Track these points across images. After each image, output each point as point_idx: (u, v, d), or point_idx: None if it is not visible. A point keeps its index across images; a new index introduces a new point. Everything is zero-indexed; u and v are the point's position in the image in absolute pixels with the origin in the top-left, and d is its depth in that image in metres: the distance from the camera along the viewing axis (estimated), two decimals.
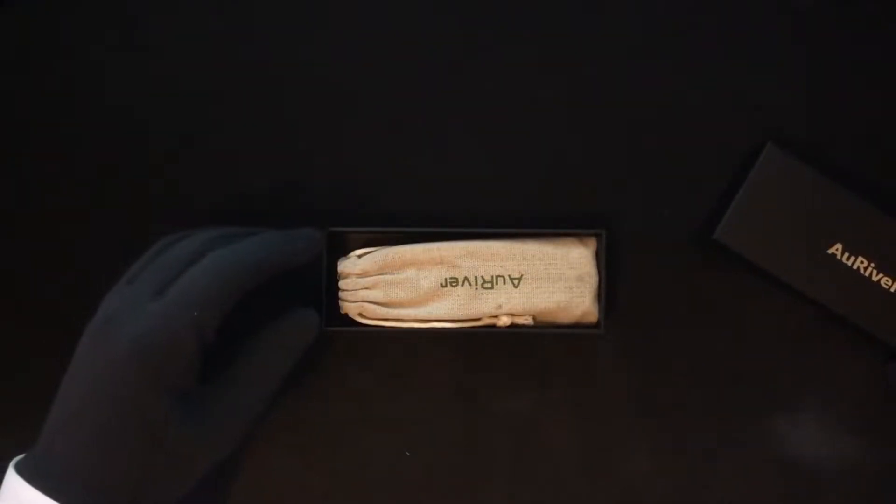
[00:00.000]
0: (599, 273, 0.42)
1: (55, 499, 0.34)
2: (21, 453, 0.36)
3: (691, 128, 0.43)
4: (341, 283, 0.42)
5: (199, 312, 0.35)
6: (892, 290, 0.41)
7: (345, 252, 0.42)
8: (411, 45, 0.44)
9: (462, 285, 0.41)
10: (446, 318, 0.41)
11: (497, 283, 0.41)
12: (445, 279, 0.41)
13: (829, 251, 0.41)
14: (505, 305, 0.41)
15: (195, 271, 0.36)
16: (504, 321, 0.41)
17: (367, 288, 0.41)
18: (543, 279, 0.41)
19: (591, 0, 0.43)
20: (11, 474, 0.35)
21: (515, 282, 0.41)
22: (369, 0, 0.43)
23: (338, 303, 0.42)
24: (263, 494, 0.43)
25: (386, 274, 0.41)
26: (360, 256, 0.41)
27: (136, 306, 0.35)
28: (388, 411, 0.44)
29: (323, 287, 0.41)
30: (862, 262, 0.41)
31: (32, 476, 0.34)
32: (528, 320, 0.41)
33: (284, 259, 0.38)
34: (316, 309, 0.40)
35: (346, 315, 0.42)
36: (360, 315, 0.41)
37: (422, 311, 0.41)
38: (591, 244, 0.42)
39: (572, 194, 0.43)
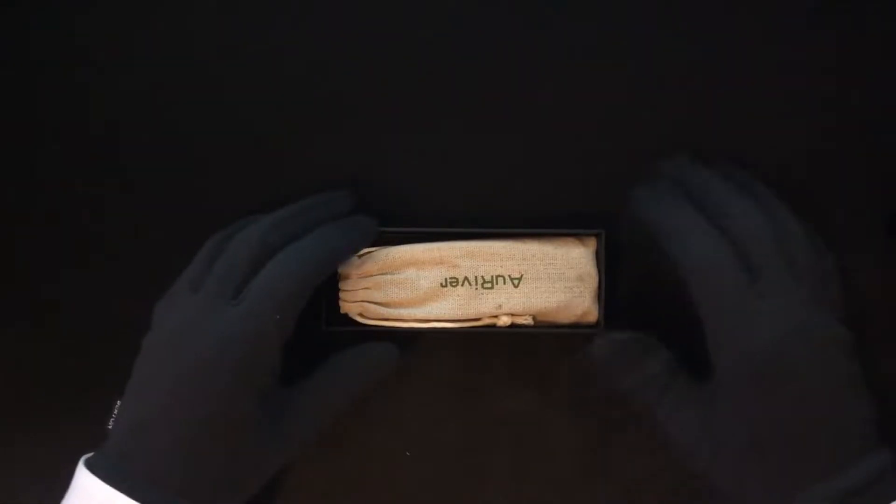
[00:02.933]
0: (599, 273, 0.42)
1: (136, 499, 0.34)
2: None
3: (692, 127, 0.43)
4: (341, 284, 0.42)
5: (281, 315, 0.36)
6: None
7: None
8: (412, 45, 0.44)
9: (462, 285, 0.41)
10: (446, 318, 0.41)
11: (497, 283, 0.41)
12: (445, 279, 0.41)
13: None
14: (505, 305, 0.41)
15: (269, 274, 0.36)
16: (504, 321, 0.41)
17: (367, 288, 0.41)
18: (543, 279, 0.41)
19: (592, 0, 0.43)
20: (85, 474, 0.35)
21: (515, 282, 0.41)
22: (371, 0, 0.44)
23: (338, 303, 0.42)
24: (263, 494, 0.43)
25: (386, 274, 0.41)
26: (360, 256, 0.41)
27: (212, 313, 0.36)
28: (388, 411, 0.44)
29: (323, 287, 0.41)
30: None
31: (109, 476, 0.35)
32: (528, 320, 0.41)
33: (346, 250, 0.40)
34: (315, 308, 0.41)
35: (347, 315, 0.42)
36: (361, 315, 0.41)
37: (422, 311, 0.41)
38: (591, 244, 0.42)
39: (572, 194, 0.43)
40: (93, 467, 0.35)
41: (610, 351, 0.40)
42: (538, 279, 0.41)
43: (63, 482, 0.36)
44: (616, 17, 0.43)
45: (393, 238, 0.42)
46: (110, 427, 0.37)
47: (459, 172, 0.44)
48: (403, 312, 0.41)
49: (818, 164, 0.43)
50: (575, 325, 0.42)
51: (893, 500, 0.33)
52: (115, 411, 0.37)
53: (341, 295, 0.42)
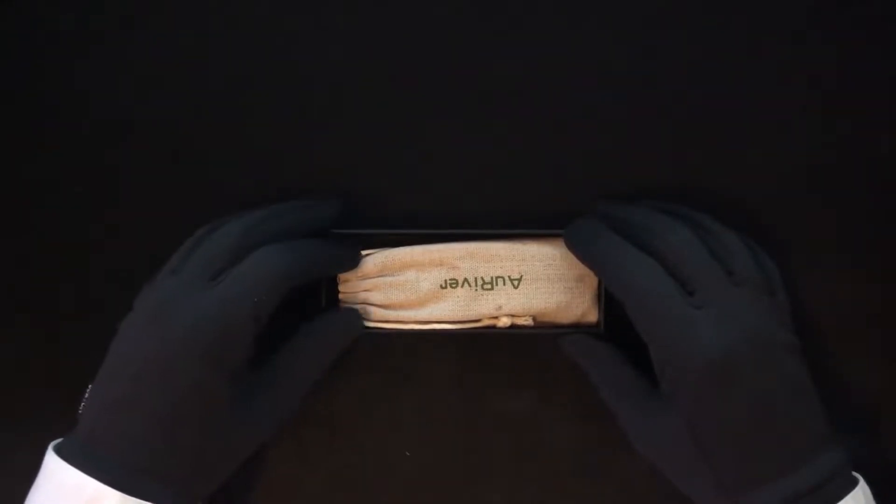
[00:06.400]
0: None
1: (105, 482, 0.34)
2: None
3: (691, 128, 0.43)
4: (341, 286, 0.42)
5: (259, 298, 0.36)
6: None
7: None
8: (411, 46, 0.43)
9: (462, 286, 0.41)
10: (446, 319, 0.41)
11: (497, 284, 0.41)
12: (445, 280, 0.41)
13: None
14: (505, 306, 0.41)
15: (253, 259, 0.37)
16: (504, 322, 0.41)
17: (367, 290, 0.41)
18: (543, 280, 0.41)
19: (590, 1, 0.43)
20: (53, 458, 0.35)
21: (515, 283, 0.41)
22: (369, 0, 0.43)
23: (338, 305, 0.42)
24: (263, 494, 0.43)
25: (386, 276, 0.41)
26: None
27: (189, 293, 0.36)
28: (388, 411, 0.44)
29: (323, 289, 0.42)
30: None
31: (78, 460, 0.34)
32: (528, 321, 0.41)
33: (330, 267, 0.40)
34: (315, 308, 0.41)
35: None
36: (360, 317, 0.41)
37: (422, 313, 0.41)
38: None
39: (572, 195, 0.43)
40: (62, 452, 0.35)
41: (576, 350, 0.41)
42: (538, 280, 0.41)
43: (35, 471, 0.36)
44: (617, 16, 0.43)
45: (393, 239, 0.42)
46: (80, 412, 0.37)
47: (459, 173, 0.43)
48: (403, 314, 0.41)
49: (816, 165, 0.43)
50: (575, 326, 0.42)
51: (844, 496, 0.34)
52: (86, 396, 0.37)
53: (341, 297, 0.42)
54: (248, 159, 0.44)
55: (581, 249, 0.39)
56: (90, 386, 0.37)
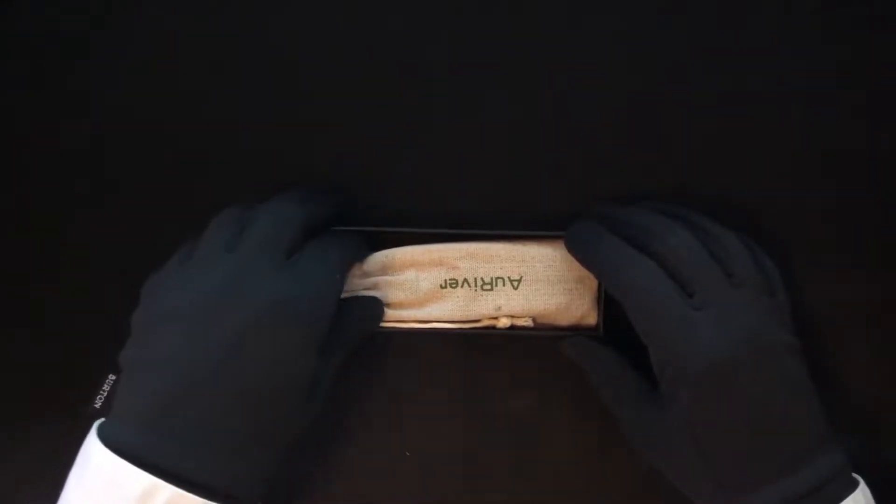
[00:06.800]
0: None
1: (188, 489, 0.32)
2: None
3: (690, 129, 0.43)
4: None
5: (340, 275, 0.37)
6: None
7: None
8: (411, 46, 0.43)
9: (462, 287, 0.41)
10: (446, 319, 0.41)
11: (496, 285, 0.41)
12: (445, 280, 0.41)
13: None
14: (504, 307, 0.41)
15: (326, 240, 0.38)
16: (503, 323, 0.41)
17: (367, 289, 0.41)
18: (543, 281, 0.41)
19: (590, 1, 0.43)
20: (114, 462, 0.32)
21: (515, 283, 0.41)
22: (369, 0, 0.43)
23: None
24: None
25: (386, 275, 0.41)
26: None
27: (269, 269, 0.35)
28: (388, 411, 0.44)
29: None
30: None
31: (142, 457, 0.32)
32: (527, 322, 0.41)
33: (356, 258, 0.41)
34: None
35: None
36: None
37: (421, 313, 0.41)
38: None
39: (573, 196, 0.43)
40: (121, 450, 0.32)
41: (576, 352, 0.41)
42: (538, 281, 0.41)
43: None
44: (617, 16, 0.43)
45: (393, 239, 0.42)
46: (97, 406, 0.35)
47: (459, 173, 0.43)
48: (403, 314, 0.41)
49: (816, 165, 0.43)
50: (574, 328, 0.42)
51: (845, 498, 0.34)
52: (106, 388, 0.35)
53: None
54: (247, 159, 0.44)
55: (581, 252, 0.39)
56: (111, 377, 0.36)
